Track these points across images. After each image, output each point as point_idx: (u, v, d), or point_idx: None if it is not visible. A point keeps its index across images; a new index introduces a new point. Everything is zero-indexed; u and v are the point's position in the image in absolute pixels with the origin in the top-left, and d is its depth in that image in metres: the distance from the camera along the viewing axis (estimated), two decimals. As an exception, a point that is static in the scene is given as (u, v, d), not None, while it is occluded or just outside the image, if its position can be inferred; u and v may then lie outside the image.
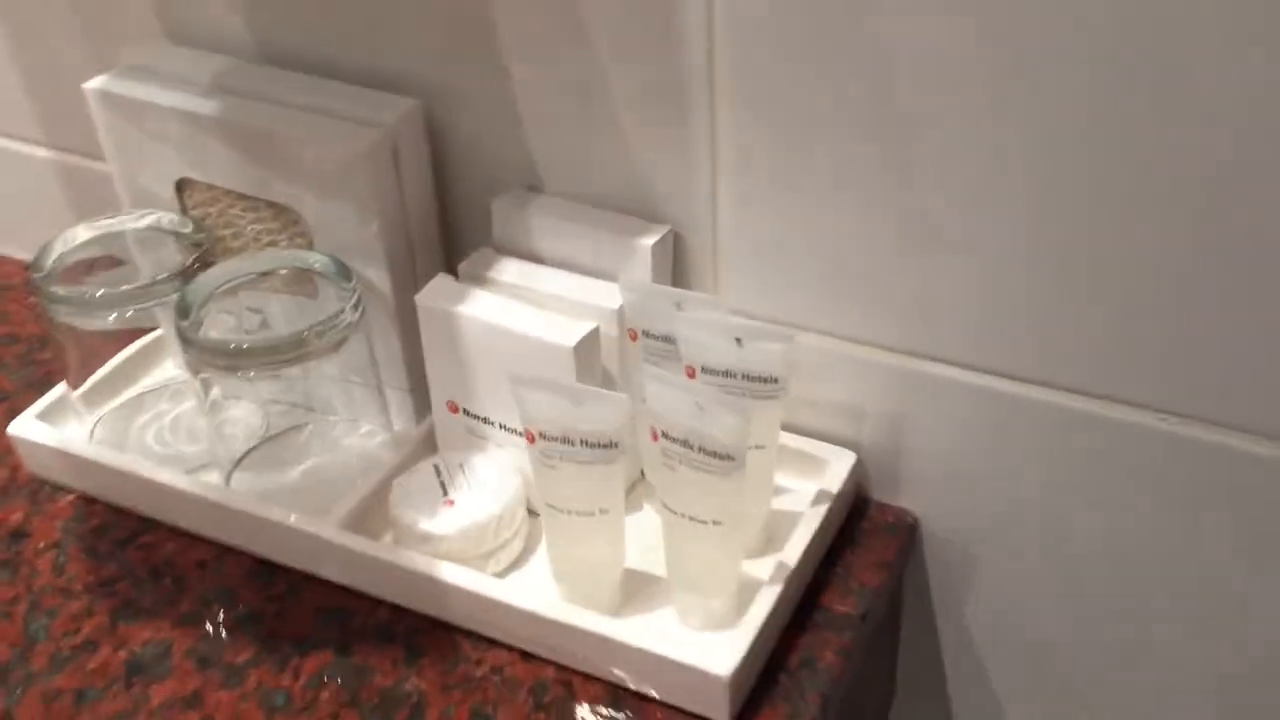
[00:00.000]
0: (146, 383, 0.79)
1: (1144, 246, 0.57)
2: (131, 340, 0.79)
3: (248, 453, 0.74)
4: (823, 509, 0.67)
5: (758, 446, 0.63)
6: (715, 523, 0.59)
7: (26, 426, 0.74)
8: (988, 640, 0.75)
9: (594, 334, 0.64)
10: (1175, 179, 0.54)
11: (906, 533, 0.71)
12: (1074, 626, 0.72)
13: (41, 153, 0.88)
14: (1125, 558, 0.67)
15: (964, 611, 0.75)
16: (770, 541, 0.68)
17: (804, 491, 0.69)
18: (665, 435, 0.58)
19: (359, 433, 0.75)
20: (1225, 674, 0.69)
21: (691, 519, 0.60)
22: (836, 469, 0.69)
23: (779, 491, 0.70)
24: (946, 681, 0.78)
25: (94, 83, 0.71)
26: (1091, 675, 0.73)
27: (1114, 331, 0.60)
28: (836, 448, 0.71)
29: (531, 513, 0.70)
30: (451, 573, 0.64)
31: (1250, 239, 0.55)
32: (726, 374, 0.62)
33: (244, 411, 0.75)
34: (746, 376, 0.61)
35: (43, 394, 0.78)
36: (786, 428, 0.69)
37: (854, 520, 0.71)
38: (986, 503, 0.70)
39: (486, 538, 0.65)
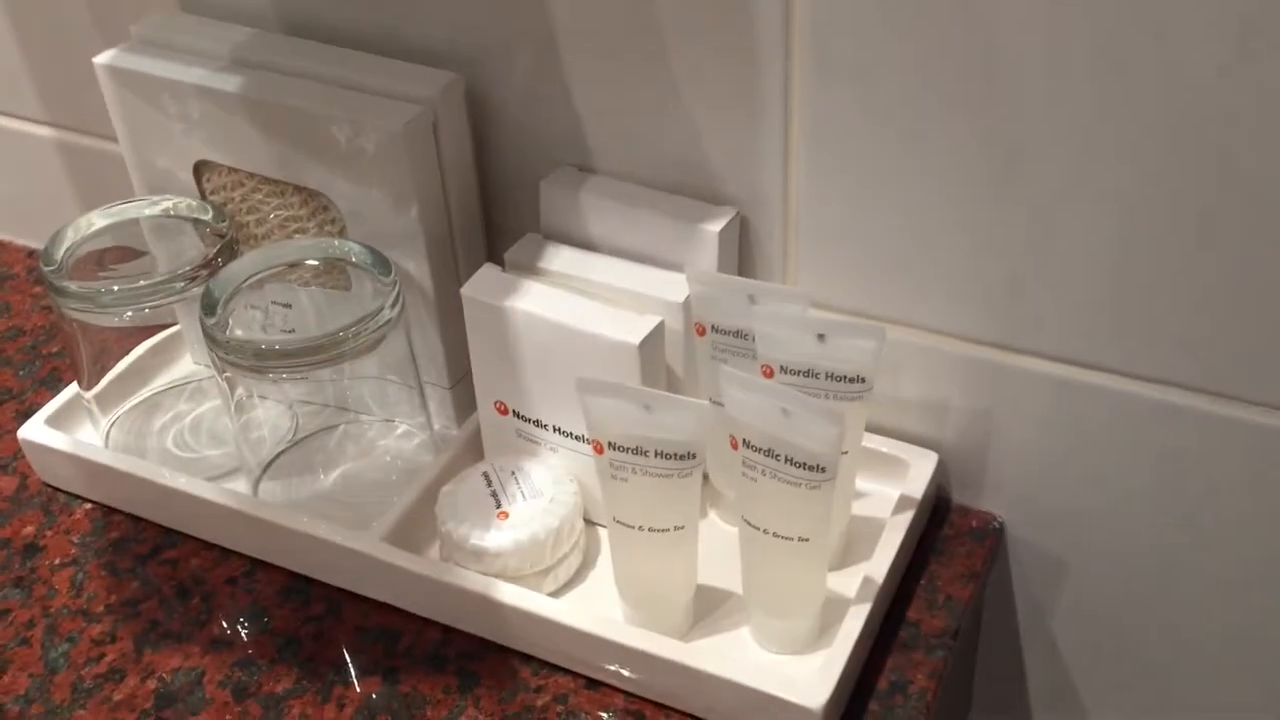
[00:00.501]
0: (163, 380, 0.73)
1: (1238, 241, 0.52)
2: (147, 335, 0.73)
3: (276, 457, 0.69)
4: (907, 516, 0.61)
5: (843, 453, 0.57)
6: (801, 539, 0.54)
7: (37, 431, 0.69)
8: (1073, 651, 0.70)
9: (659, 329, 0.58)
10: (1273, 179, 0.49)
11: (993, 539, 0.66)
12: (1168, 637, 0.66)
13: (44, 132, 0.82)
14: (1224, 562, 0.62)
15: (1048, 619, 0.69)
16: (851, 551, 0.62)
17: (884, 496, 0.64)
18: (747, 444, 0.53)
19: (395, 434, 0.69)
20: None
21: (775, 535, 0.54)
22: (919, 471, 0.64)
23: (859, 496, 0.64)
24: (1028, 695, 0.73)
25: (103, 57, 0.65)
26: (1186, 688, 0.68)
27: (1206, 324, 0.55)
28: (918, 448, 0.65)
29: (588, 522, 0.64)
30: (509, 593, 0.58)
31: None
32: (808, 374, 0.56)
33: (271, 412, 0.70)
34: (831, 376, 0.56)
35: (52, 392, 0.72)
36: (865, 427, 0.63)
37: (936, 526, 0.66)
38: (1074, 504, 0.64)
39: (544, 554, 0.60)
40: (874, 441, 0.65)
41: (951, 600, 0.62)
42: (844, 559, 0.62)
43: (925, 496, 0.64)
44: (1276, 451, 0.57)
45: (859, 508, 0.64)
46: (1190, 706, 0.69)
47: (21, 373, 0.78)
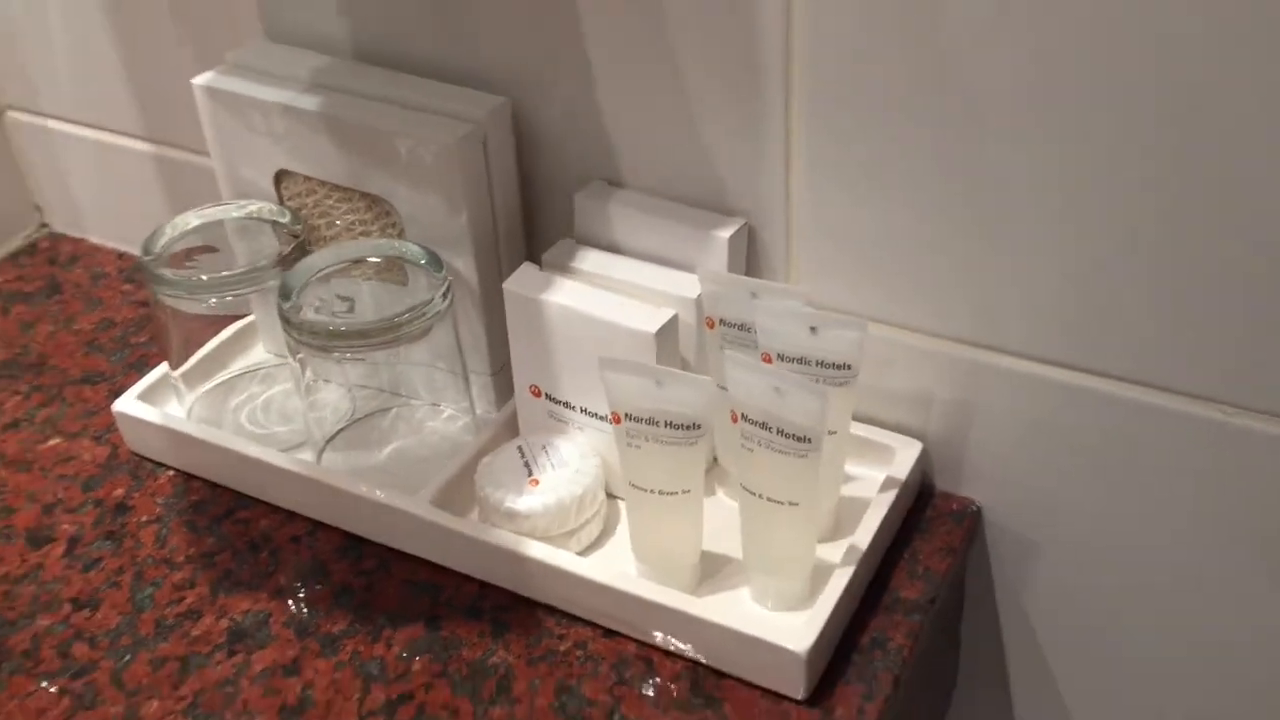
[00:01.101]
0: (239, 365, 0.83)
1: (1204, 246, 0.59)
2: (226, 324, 0.82)
3: (336, 433, 0.78)
4: (891, 495, 0.69)
5: (830, 432, 0.65)
6: (791, 504, 0.62)
7: (129, 405, 0.78)
8: (1048, 628, 0.77)
9: (673, 321, 0.66)
10: (1232, 189, 0.56)
11: (971, 520, 0.73)
12: (1132, 616, 0.73)
13: (142, 146, 0.92)
14: (1185, 548, 0.69)
15: (1024, 599, 0.77)
16: (840, 527, 0.70)
17: (872, 479, 0.72)
18: (745, 418, 0.61)
19: (442, 416, 0.78)
20: (1286, 662, 0.70)
21: (769, 500, 0.62)
22: (903, 457, 0.72)
23: (848, 479, 0.72)
24: (1008, 669, 0.80)
25: (201, 79, 0.75)
26: (1153, 665, 0.75)
27: (1173, 325, 0.62)
28: (903, 437, 0.73)
29: (610, 496, 0.72)
30: (537, 550, 0.67)
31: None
32: (801, 360, 0.64)
33: (333, 395, 0.79)
34: (820, 363, 0.64)
35: (140, 376, 0.81)
36: (855, 417, 0.71)
37: (920, 508, 0.74)
38: (1047, 492, 0.72)
39: (569, 517, 0.68)
40: (864, 430, 0.73)
41: (930, 571, 0.70)
42: (834, 534, 0.70)
43: (909, 480, 0.71)
44: (1237, 448, 0.65)
45: (850, 490, 0.72)
46: (1165, 689, 0.75)
47: (113, 358, 0.88)
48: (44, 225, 1.01)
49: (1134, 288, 0.62)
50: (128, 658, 0.67)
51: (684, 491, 0.63)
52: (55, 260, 0.99)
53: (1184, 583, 0.70)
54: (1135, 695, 0.77)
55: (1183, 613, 0.72)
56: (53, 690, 0.65)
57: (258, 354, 0.84)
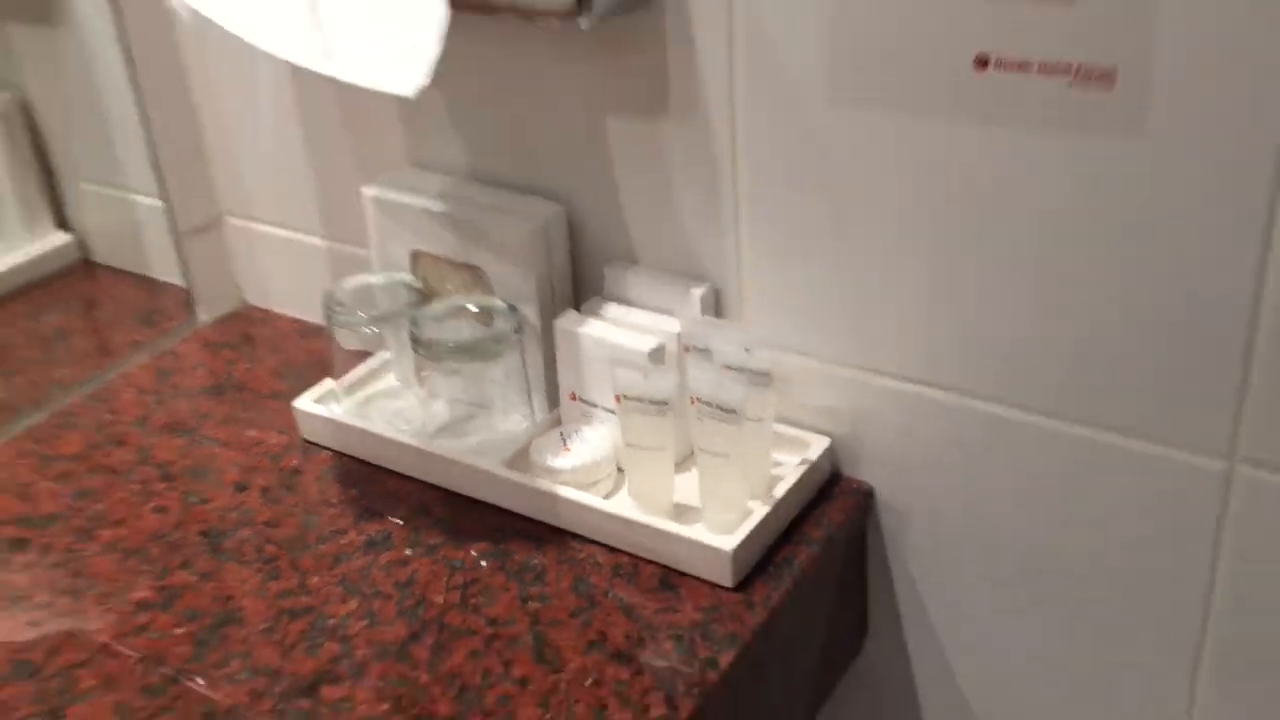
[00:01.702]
0: (377, 386, 1.21)
1: (1025, 275, 0.95)
2: (370, 357, 1.21)
3: (439, 429, 1.15)
4: (803, 469, 1.04)
5: (757, 419, 1.00)
6: (725, 456, 0.97)
7: (304, 404, 1.17)
8: (924, 586, 1.10)
9: (660, 346, 1.03)
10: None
11: (864, 496, 1.07)
12: (984, 581, 1.06)
13: (315, 241, 1.33)
14: (1019, 530, 1.02)
15: (907, 563, 1.10)
16: (769, 493, 1.04)
17: (793, 463, 1.06)
18: (699, 400, 0.97)
19: (510, 421, 1.15)
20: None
21: (712, 454, 0.97)
22: (816, 448, 1.06)
23: (777, 465, 1.07)
24: (901, 619, 1.12)
25: (368, 190, 1.15)
26: (998, 631, 1.07)
27: (1011, 346, 0.97)
28: (817, 435, 1.08)
29: (619, 470, 1.08)
30: (566, 493, 1.03)
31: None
32: (740, 369, 1.00)
33: (439, 406, 1.16)
34: (751, 371, 1.00)
35: (307, 390, 1.20)
36: (783, 420, 1.06)
37: (829, 487, 1.08)
38: (919, 479, 1.05)
39: (591, 473, 1.04)
40: (789, 431, 1.08)
41: (830, 522, 1.04)
42: (765, 496, 1.04)
43: (818, 463, 1.06)
44: (1063, 455, 0.98)
45: (777, 471, 1.06)
46: (1003, 643, 1.07)
47: (290, 383, 1.27)
48: (242, 299, 1.42)
49: (982, 315, 0.97)
50: (299, 552, 1.04)
51: (659, 448, 0.99)
52: (249, 321, 1.39)
53: (1028, 559, 1.03)
54: (987, 638, 1.09)
55: (1023, 589, 1.04)
56: (251, 570, 1.02)
57: (389, 380, 1.22)
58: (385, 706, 0.88)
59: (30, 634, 0.97)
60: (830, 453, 1.07)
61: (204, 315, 1.40)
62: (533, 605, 0.96)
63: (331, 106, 1.22)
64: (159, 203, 1.35)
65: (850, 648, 1.15)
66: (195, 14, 0.99)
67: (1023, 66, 0.85)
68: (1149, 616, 0.99)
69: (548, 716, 0.86)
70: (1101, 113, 0.84)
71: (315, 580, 1.00)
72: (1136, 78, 0.82)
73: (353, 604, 0.98)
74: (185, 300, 1.39)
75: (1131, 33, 0.81)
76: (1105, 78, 0.83)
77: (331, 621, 0.96)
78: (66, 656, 0.94)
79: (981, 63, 0.87)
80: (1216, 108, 0.80)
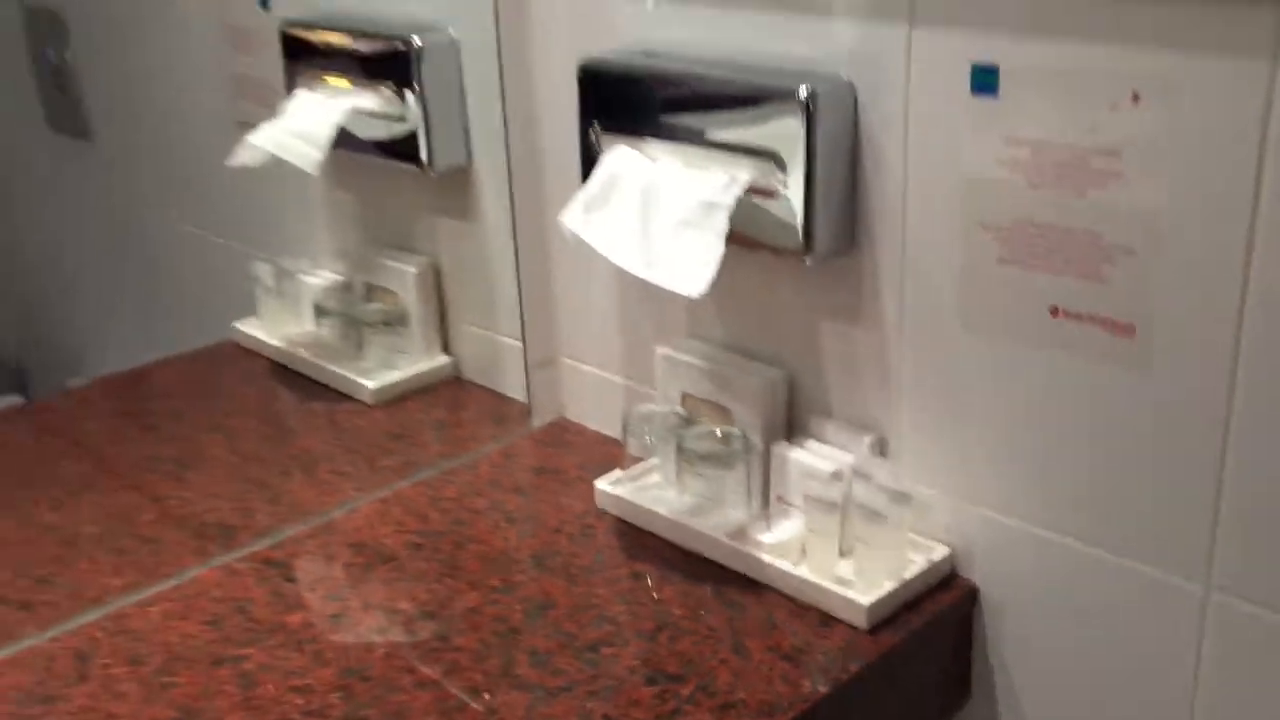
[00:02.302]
0: (649, 480, 1.78)
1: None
2: (646, 460, 1.79)
3: (686, 511, 1.71)
4: (927, 565, 1.54)
5: (896, 526, 1.51)
6: (870, 545, 1.49)
7: (601, 484, 1.76)
8: (1015, 668, 1.56)
9: (839, 469, 1.57)
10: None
11: (972, 591, 1.56)
12: (1083, 686, 1.52)
13: (618, 379, 1.94)
14: (1107, 655, 1.48)
15: (1001, 648, 1.56)
16: (900, 576, 1.55)
17: (921, 560, 1.56)
18: (858, 506, 1.50)
19: (736, 511, 1.69)
20: None
21: (865, 545, 1.49)
22: (938, 552, 1.55)
23: (910, 561, 1.57)
24: (995, 690, 1.59)
25: (660, 349, 1.75)
26: None
27: (1112, 503, 1.46)
28: (941, 544, 1.57)
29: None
30: (768, 558, 1.57)
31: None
32: (888, 490, 1.52)
33: (688, 496, 1.72)
34: (894, 491, 1.51)
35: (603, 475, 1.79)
36: (917, 532, 1.57)
37: (947, 580, 1.55)
38: (1009, 590, 1.53)
39: (785, 548, 1.57)
40: (920, 539, 1.58)
41: (940, 602, 1.53)
42: (896, 579, 1.55)
43: (939, 564, 1.55)
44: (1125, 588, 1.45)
45: (908, 564, 1.57)
46: None
47: (591, 473, 1.85)
48: (563, 414, 2.05)
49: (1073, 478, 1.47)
50: (592, 575, 1.61)
51: (830, 535, 1.52)
52: (567, 431, 2.01)
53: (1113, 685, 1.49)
54: None
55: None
56: (560, 581, 1.60)
57: (657, 477, 1.79)
58: (638, 663, 1.43)
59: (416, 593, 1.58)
60: (950, 558, 1.57)
61: (536, 422, 1.96)
62: (736, 623, 1.50)
63: (643, 291, 1.84)
64: (517, 343, 2.00)
65: (953, 701, 1.62)
66: (575, 235, 1.63)
67: (1079, 317, 1.37)
68: None
69: (740, 682, 1.39)
70: (1127, 352, 1.35)
71: (602, 592, 1.57)
72: (1148, 332, 1.33)
73: (622, 608, 1.54)
74: (525, 411, 2.01)
75: (1141, 302, 1.32)
76: (1128, 329, 1.34)
77: (609, 614, 1.52)
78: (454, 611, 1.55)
79: (1054, 311, 1.39)
80: (1195, 353, 1.30)
